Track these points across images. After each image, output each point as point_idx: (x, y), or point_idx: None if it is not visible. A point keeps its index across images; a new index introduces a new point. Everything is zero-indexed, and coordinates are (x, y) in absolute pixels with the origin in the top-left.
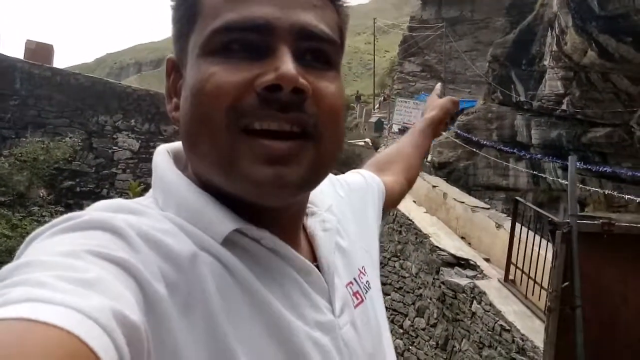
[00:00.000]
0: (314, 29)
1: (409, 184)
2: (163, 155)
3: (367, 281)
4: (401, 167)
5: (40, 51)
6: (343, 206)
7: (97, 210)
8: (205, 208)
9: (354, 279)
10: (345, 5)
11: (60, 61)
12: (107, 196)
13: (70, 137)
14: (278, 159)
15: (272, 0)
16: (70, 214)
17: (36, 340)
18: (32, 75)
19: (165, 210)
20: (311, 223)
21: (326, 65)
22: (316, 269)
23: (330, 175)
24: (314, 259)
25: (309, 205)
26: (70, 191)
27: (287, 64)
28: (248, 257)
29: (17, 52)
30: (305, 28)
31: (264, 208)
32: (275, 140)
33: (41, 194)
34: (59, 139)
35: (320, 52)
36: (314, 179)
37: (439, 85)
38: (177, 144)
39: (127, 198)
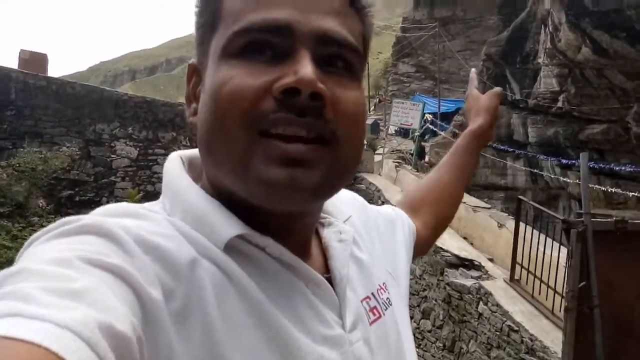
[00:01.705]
0: (336, 35)
1: (444, 221)
2: (174, 161)
3: (388, 298)
4: (435, 207)
5: (34, 61)
6: (369, 224)
7: (99, 214)
8: (209, 213)
9: (372, 294)
10: (370, 15)
11: (55, 70)
12: (106, 204)
13: (67, 147)
14: (293, 161)
15: (294, 3)
16: (66, 218)
17: (11, 358)
18: (27, 84)
19: (172, 215)
20: (327, 234)
21: (347, 73)
22: (325, 281)
23: (357, 195)
24: (327, 270)
25: (325, 215)
26: (70, 200)
27: (306, 68)
28: (252, 265)
29: (10, 62)
30: (326, 33)
31: (275, 215)
32: (292, 142)
33: (40, 204)
34: (57, 148)
35: (342, 59)
36: (330, 187)
37: (473, 73)
38: (192, 152)
39: None
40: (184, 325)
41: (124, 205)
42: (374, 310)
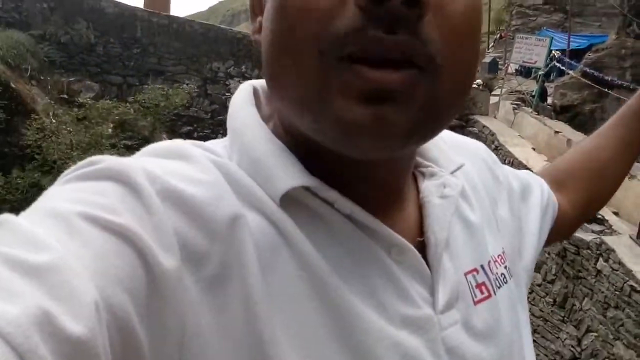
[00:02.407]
0: None
1: (597, 202)
2: (243, 92)
3: (503, 274)
4: (586, 183)
5: (157, 0)
6: (492, 180)
7: (142, 154)
8: (268, 157)
9: (482, 266)
10: None
11: (176, 10)
12: None
13: (187, 84)
14: (381, 95)
15: None
16: (93, 158)
17: None
18: (151, 23)
19: (232, 157)
20: (426, 187)
21: None
22: (410, 246)
23: (482, 145)
24: (422, 234)
25: (428, 164)
26: (189, 136)
27: None
28: (314, 224)
29: (136, 1)
30: None
31: (352, 162)
32: (380, 68)
33: (163, 139)
34: (177, 86)
35: None
36: (427, 128)
37: None
38: None
39: None
40: (216, 294)
41: (171, 143)
42: (482, 287)
